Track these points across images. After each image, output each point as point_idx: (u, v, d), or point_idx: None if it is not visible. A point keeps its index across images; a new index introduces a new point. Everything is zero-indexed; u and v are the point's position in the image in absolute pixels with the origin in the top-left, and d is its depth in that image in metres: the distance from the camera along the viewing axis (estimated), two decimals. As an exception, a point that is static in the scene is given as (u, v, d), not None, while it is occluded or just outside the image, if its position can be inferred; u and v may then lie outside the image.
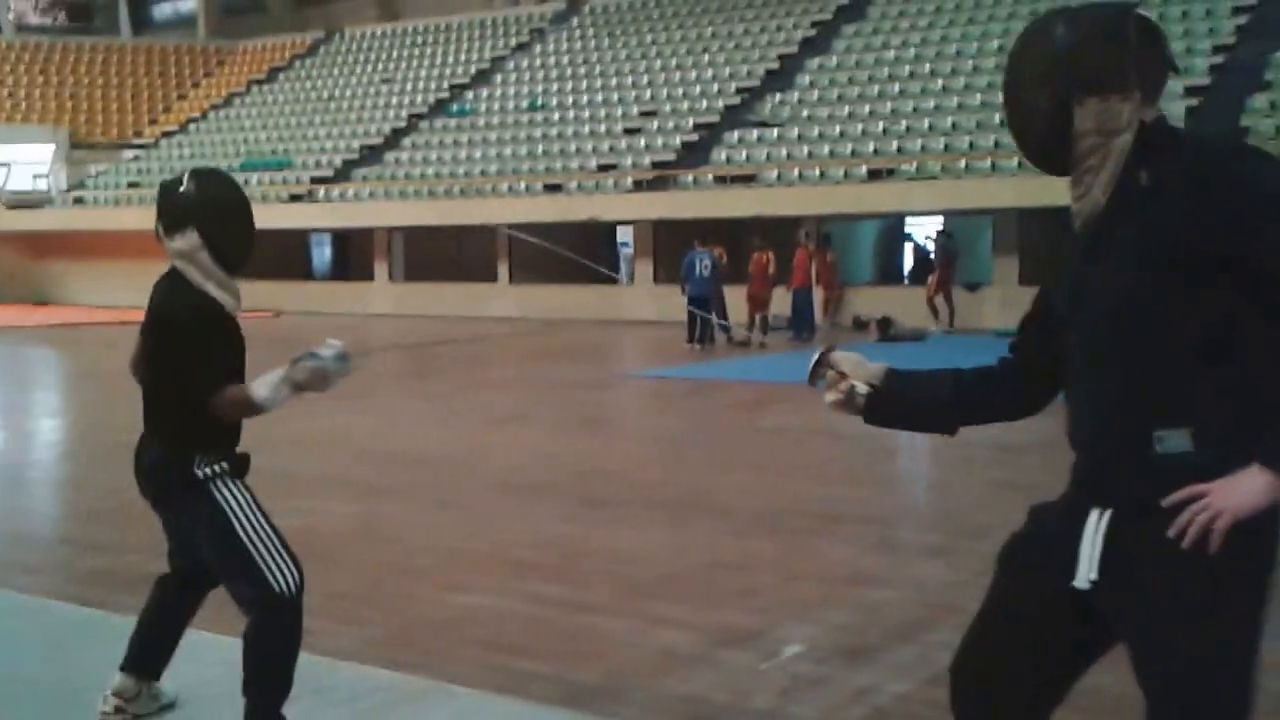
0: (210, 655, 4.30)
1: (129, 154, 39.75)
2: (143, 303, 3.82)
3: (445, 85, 37.29)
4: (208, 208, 3.70)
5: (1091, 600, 2.36)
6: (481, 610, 5.49)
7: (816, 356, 2.79)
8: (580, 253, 32.20)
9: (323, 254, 38.42)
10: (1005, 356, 2.68)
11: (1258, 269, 2.20)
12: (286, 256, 35.01)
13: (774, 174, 26.25)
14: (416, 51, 40.10)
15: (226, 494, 3.67)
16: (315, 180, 33.80)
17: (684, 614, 5.41)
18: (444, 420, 12.15)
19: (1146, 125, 2.33)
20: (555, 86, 34.69)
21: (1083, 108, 2.32)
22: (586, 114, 32.50)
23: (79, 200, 37.38)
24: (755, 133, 28.08)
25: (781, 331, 21.65)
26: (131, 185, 36.61)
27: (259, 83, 42.10)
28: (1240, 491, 2.17)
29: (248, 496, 3.72)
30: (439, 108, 36.24)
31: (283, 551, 3.66)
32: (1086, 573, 2.33)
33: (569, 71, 35.36)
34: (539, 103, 34.01)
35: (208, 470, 3.65)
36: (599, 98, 32.96)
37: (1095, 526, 2.33)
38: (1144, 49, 2.33)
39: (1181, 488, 2.22)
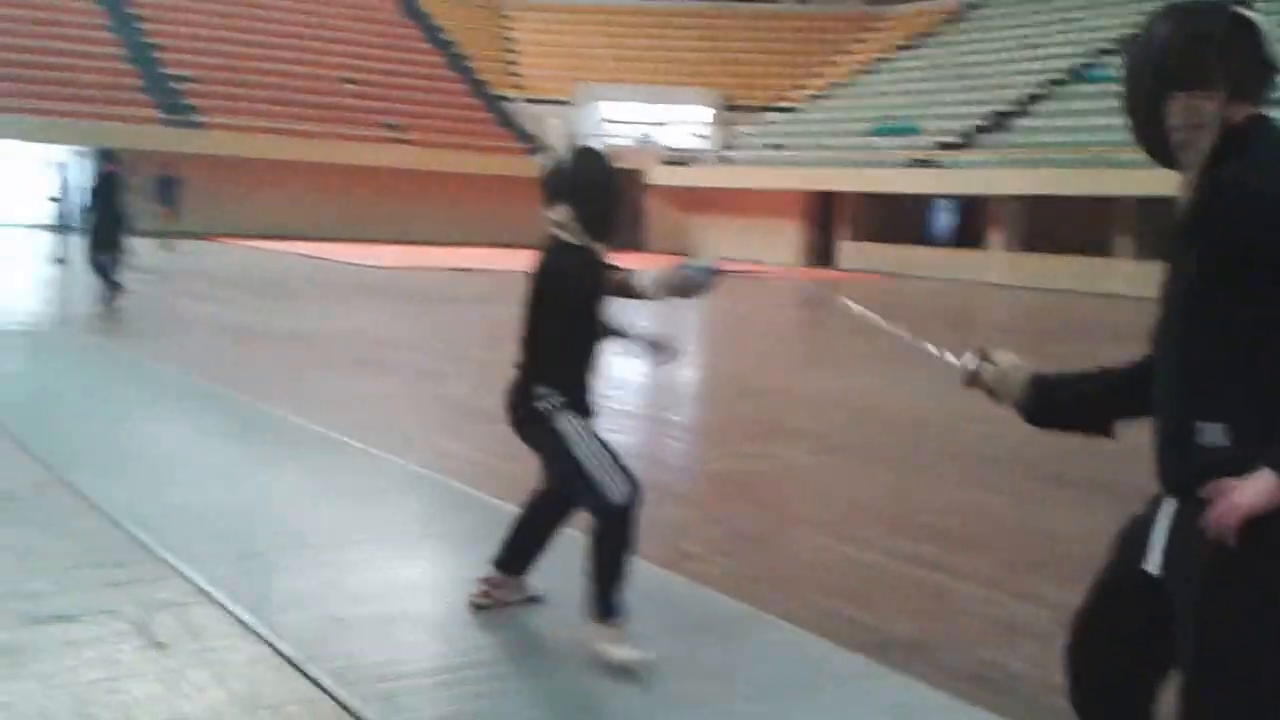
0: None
1: (772, 116, 42.20)
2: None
3: (1090, 50, 35.98)
4: (580, 187, 4.32)
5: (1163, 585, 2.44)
6: (848, 560, 5.76)
7: (966, 360, 2.94)
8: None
9: (944, 219, 38.66)
10: (1148, 353, 2.68)
11: None
12: (905, 221, 35.77)
13: None
14: (1064, 15, 38.91)
15: (563, 422, 4.31)
16: (941, 146, 34.11)
17: (1058, 594, 5.33)
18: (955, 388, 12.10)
19: (1231, 124, 2.31)
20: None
21: (1172, 103, 2.37)
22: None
23: (724, 159, 40.29)
24: None
25: None
26: (773, 147, 38.88)
27: (904, 48, 42.89)
28: (1250, 491, 2.19)
29: (582, 424, 4.33)
30: (1080, 74, 35.10)
31: (615, 468, 4.23)
32: (1154, 559, 2.44)
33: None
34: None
35: (547, 404, 4.31)
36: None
37: (1164, 515, 2.43)
38: (1234, 47, 2.32)
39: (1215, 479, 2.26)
